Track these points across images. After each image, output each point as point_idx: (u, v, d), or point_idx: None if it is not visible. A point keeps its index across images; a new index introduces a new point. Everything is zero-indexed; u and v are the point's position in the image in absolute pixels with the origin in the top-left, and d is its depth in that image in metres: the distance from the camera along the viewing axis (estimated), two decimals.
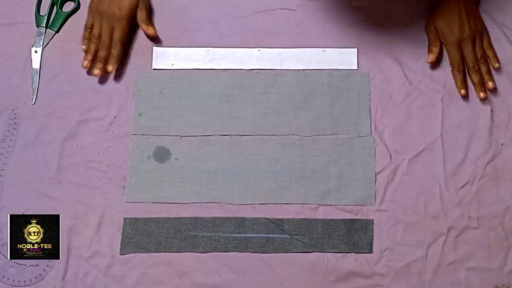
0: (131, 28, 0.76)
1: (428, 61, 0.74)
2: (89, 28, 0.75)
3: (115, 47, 0.73)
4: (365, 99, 0.74)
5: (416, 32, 0.77)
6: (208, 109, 0.74)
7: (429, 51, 0.74)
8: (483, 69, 0.73)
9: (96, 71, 0.73)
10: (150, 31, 0.75)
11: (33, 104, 0.75)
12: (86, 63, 0.74)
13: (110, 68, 0.73)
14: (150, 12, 0.78)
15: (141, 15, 0.75)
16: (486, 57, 0.74)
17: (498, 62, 0.74)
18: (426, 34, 0.76)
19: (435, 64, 0.75)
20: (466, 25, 0.72)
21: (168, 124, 0.74)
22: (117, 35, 0.73)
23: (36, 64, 0.76)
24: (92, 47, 0.74)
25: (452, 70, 0.74)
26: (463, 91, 0.73)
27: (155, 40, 0.77)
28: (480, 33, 0.74)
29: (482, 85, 0.73)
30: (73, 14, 0.78)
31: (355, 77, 0.75)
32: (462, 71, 0.73)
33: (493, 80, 0.73)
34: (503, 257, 0.68)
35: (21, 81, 0.75)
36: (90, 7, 0.75)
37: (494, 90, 0.74)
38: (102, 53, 0.73)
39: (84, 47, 0.75)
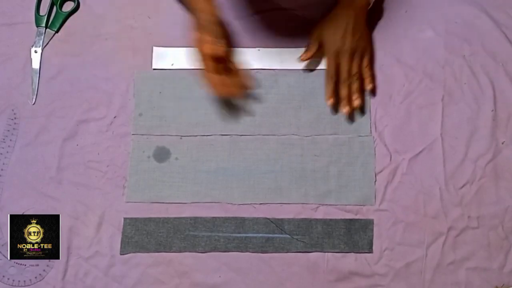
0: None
1: (301, 58, 0.73)
2: None
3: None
4: (365, 99, 0.74)
5: (416, 32, 0.76)
6: (208, 109, 0.74)
7: (307, 49, 0.73)
8: (354, 86, 0.72)
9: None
10: (210, 49, 0.66)
11: (33, 104, 0.75)
12: None
13: None
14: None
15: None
16: (362, 76, 0.73)
17: (372, 84, 0.73)
18: (310, 37, 0.74)
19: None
20: (349, 38, 0.71)
21: (168, 124, 0.74)
22: None
23: (36, 64, 0.76)
24: None
25: (326, 78, 0.73)
26: (331, 100, 0.72)
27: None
28: (361, 51, 0.72)
29: (348, 100, 0.72)
30: (72, 14, 0.78)
31: None
32: (334, 81, 0.72)
33: (360, 99, 0.72)
34: (503, 257, 0.68)
35: (21, 81, 0.75)
36: None
37: (358, 109, 0.73)
38: None
39: None
